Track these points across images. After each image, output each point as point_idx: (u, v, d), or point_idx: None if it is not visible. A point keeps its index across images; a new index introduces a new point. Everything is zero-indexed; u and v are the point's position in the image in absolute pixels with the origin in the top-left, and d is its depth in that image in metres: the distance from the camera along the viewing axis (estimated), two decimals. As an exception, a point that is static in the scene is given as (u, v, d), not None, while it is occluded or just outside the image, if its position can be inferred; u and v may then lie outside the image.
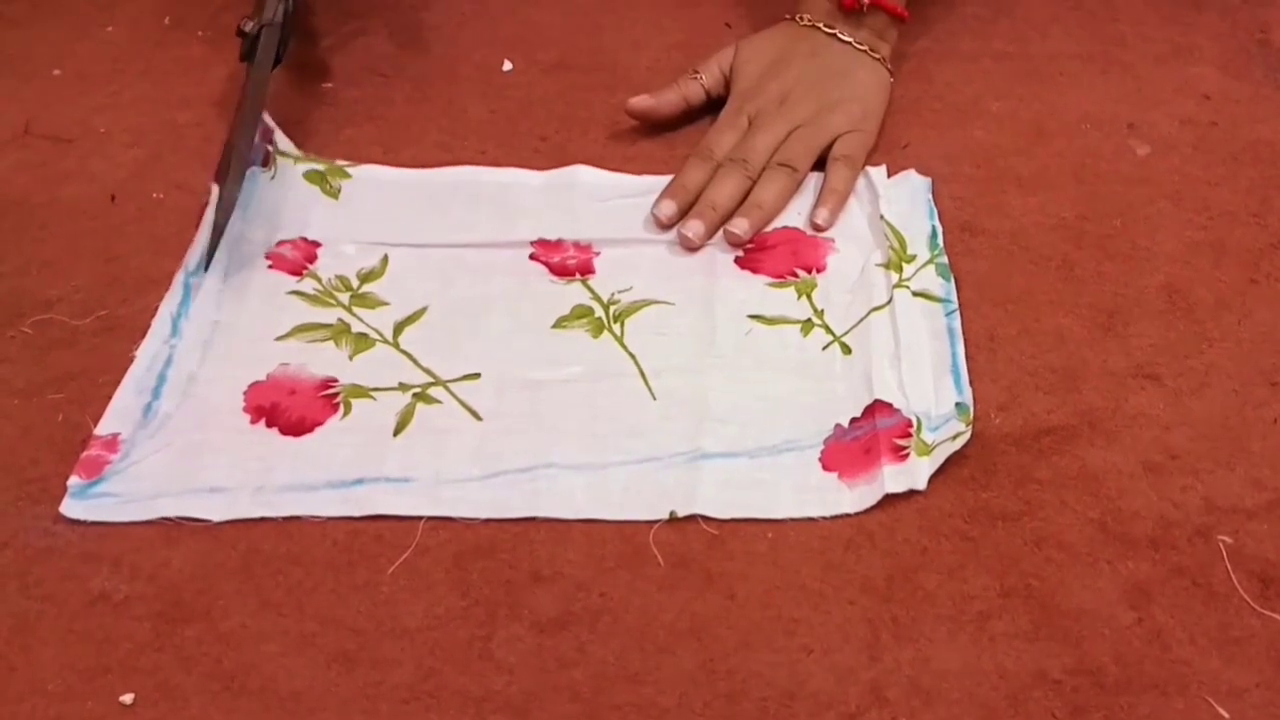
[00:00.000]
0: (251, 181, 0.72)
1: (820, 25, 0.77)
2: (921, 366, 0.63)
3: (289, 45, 0.74)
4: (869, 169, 0.73)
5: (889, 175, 0.73)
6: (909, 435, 0.59)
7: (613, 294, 0.67)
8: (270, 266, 0.68)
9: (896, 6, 0.77)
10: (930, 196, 0.72)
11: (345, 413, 0.61)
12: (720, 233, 0.70)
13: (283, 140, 0.75)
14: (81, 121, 0.78)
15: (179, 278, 0.67)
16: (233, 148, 0.69)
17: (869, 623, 0.53)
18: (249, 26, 0.73)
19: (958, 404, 0.61)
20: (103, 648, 0.53)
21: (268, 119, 0.74)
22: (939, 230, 0.70)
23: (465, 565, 0.55)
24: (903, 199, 0.72)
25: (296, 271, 0.68)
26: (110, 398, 0.61)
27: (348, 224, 0.71)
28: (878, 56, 0.77)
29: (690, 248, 0.69)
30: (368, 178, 0.74)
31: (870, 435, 0.60)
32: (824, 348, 0.65)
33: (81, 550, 0.56)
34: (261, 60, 0.72)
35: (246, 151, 0.69)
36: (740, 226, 0.69)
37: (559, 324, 0.66)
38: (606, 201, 0.72)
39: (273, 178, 0.73)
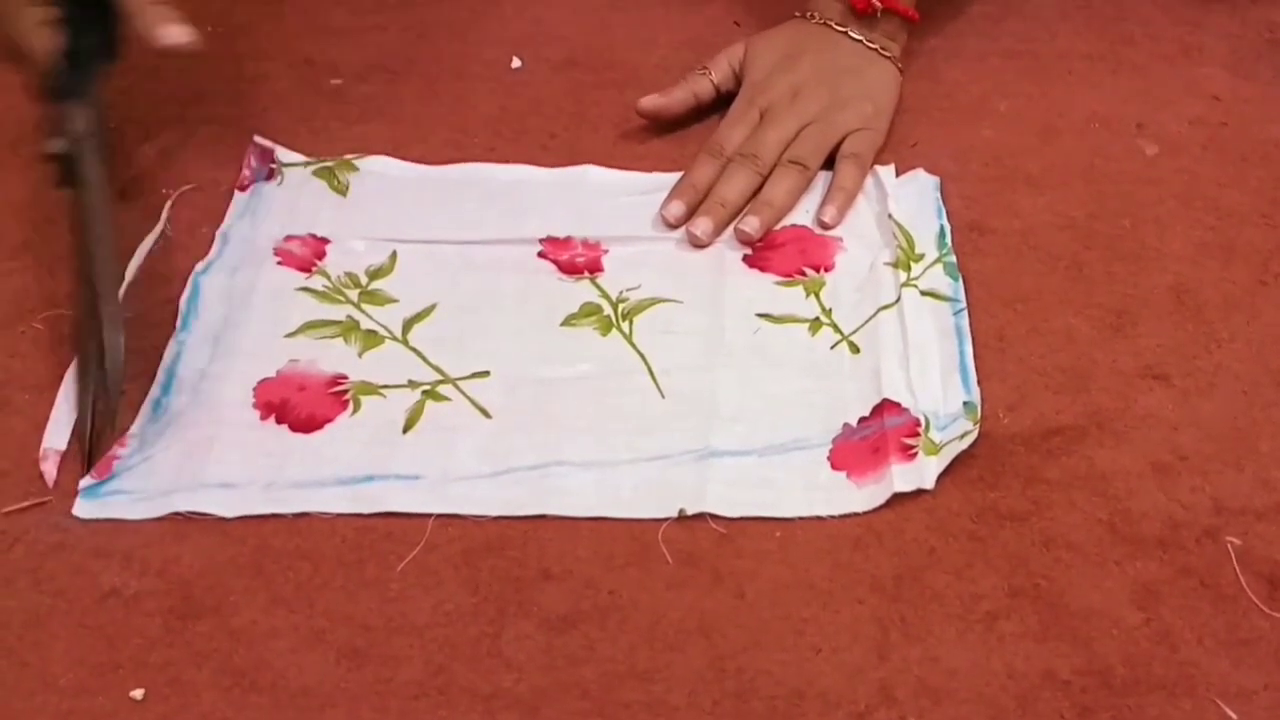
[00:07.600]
0: (256, 194, 0.72)
1: (831, 24, 0.77)
2: (930, 366, 0.63)
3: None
4: (877, 167, 0.73)
5: (897, 174, 0.73)
6: (917, 434, 0.59)
7: (621, 292, 0.67)
8: (279, 263, 0.68)
9: (907, 9, 0.77)
10: (939, 195, 0.72)
11: (355, 409, 0.62)
12: (729, 230, 0.70)
13: (287, 154, 0.74)
14: (91, 117, 0.78)
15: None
16: (97, 295, 0.59)
17: (878, 622, 0.54)
18: (58, 146, 0.60)
19: (966, 403, 0.61)
20: (113, 643, 0.53)
21: (262, 140, 0.74)
22: (947, 229, 0.70)
23: (475, 562, 0.56)
24: (911, 198, 0.72)
25: (305, 268, 0.68)
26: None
27: (356, 220, 0.71)
28: (888, 55, 0.77)
29: (699, 245, 0.69)
30: (375, 171, 0.74)
31: (879, 434, 0.60)
32: (832, 346, 0.65)
33: (92, 546, 0.56)
34: (90, 179, 0.60)
35: (115, 297, 0.61)
36: (751, 225, 0.69)
37: (567, 322, 0.66)
38: (615, 199, 0.72)
39: (280, 184, 0.73)
